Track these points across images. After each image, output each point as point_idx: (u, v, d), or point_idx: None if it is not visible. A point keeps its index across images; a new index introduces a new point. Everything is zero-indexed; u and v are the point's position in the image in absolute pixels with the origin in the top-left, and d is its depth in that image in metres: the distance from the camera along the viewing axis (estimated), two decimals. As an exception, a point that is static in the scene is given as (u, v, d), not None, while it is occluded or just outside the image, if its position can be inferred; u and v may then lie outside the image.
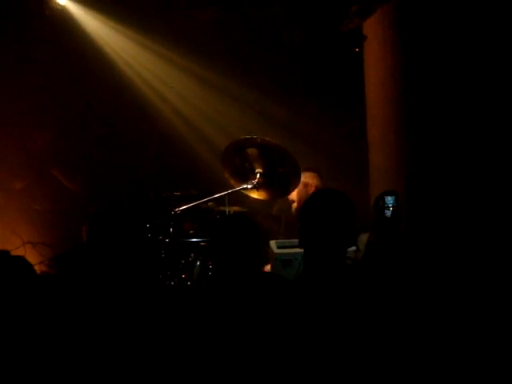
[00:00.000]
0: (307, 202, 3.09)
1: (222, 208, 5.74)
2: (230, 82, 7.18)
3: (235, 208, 5.80)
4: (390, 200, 3.74)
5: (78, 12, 7.10)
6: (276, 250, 5.07)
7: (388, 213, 3.71)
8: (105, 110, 7.28)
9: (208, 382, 3.07)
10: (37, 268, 5.81)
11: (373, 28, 6.72)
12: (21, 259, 3.69)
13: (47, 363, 2.99)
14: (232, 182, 5.47)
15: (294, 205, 5.73)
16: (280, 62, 7.22)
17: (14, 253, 4.06)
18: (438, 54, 6.30)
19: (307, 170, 5.71)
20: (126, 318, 3.08)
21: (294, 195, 5.67)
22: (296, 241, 3.22)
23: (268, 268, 5.11)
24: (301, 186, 5.50)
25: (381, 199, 3.81)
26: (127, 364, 3.00)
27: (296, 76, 7.23)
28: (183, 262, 5.48)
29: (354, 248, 4.54)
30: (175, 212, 5.34)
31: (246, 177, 5.41)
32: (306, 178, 5.66)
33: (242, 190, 5.43)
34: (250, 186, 5.34)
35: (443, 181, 4.33)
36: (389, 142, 6.64)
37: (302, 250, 3.45)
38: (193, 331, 3.23)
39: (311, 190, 5.63)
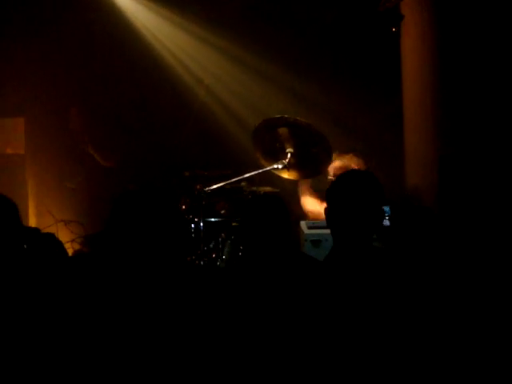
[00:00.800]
0: (334, 183, 3.07)
1: (253, 188, 5.73)
2: (264, 62, 7.13)
3: (267, 188, 5.78)
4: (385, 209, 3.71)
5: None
6: (306, 231, 5.06)
7: (386, 222, 3.68)
8: (141, 90, 7.29)
9: (237, 361, 3.07)
10: (69, 246, 5.92)
11: (410, 7, 6.63)
12: (51, 236, 3.73)
13: (73, 340, 3.01)
14: (262, 161, 5.44)
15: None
16: (316, 42, 7.13)
17: (47, 230, 4.11)
18: (476, 35, 6.18)
19: (350, 152, 5.61)
20: (153, 297, 3.09)
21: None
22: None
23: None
24: (342, 169, 5.41)
25: None
26: (154, 343, 3.01)
27: (332, 57, 7.14)
28: (214, 241, 5.49)
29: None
30: (207, 191, 5.33)
31: (277, 157, 5.37)
32: (348, 160, 5.56)
33: (272, 170, 5.40)
34: (280, 166, 5.30)
35: (478, 164, 4.25)
36: (425, 126, 6.56)
37: (331, 231, 3.40)
38: (221, 312, 3.23)
39: None
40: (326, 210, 3.05)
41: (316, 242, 5.01)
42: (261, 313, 3.18)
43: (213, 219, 5.61)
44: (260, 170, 5.36)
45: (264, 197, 4.43)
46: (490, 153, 5.05)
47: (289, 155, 5.28)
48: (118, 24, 7.18)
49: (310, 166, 5.34)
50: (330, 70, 7.11)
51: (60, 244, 3.83)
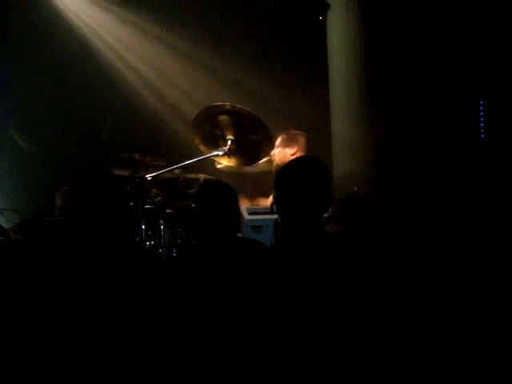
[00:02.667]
0: (282, 170, 3.13)
1: (188, 175, 5.76)
2: (197, 49, 7.14)
3: (202, 175, 5.81)
4: None
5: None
6: (247, 216, 5.12)
7: None
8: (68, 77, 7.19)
9: (186, 348, 3.11)
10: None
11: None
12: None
13: (17, 328, 2.99)
14: (202, 148, 5.46)
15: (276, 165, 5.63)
16: (249, 29, 7.21)
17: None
18: (401, 23, 6.41)
19: (293, 134, 5.67)
20: (105, 281, 3.09)
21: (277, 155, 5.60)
22: (267, 207, 3.25)
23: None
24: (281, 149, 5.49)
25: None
26: (104, 328, 3.02)
27: (265, 44, 7.23)
28: (152, 228, 5.48)
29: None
30: (145, 178, 5.32)
31: (217, 144, 5.40)
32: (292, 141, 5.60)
33: (212, 157, 5.44)
34: (221, 153, 5.34)
35: (416, 150, 4.40)
36: (351, 111, 6.73)
37: (273, 217, 3.47)
38: (173, 296, 3.26)
39: (294, 153, 5.55)
40: (274, 196, 3.11)
41: (257, 228, 5.08)
42: (210, 297, 3.23)
43: (150, 206, 5.60)
44: (201, 157, 5.38)
45: (211, 184, 4.47)
46: (420, 139, 5.24)
47: (229, 142, 5.32)
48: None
49: (251, 152, 5.40)
50: (267, 57, 7.20)
51: (5, 231, 3.79)
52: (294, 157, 5.12)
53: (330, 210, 4.90)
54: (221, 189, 3.59)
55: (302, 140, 5.61)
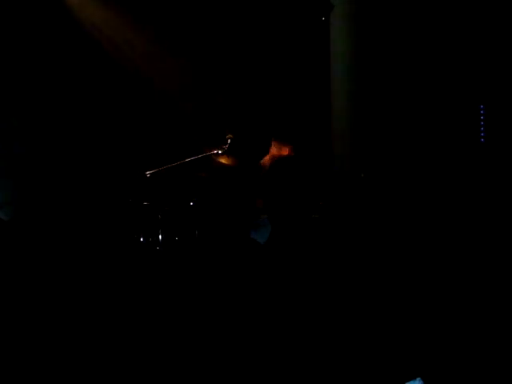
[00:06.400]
0: (269, 171, 3.17)
1: (188, 172, 5.77)
2: (199, 49, 7.18)
3: (201, 173, 5.81)
4: None
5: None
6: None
7: None
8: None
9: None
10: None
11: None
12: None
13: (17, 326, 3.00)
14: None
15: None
16: (253, 29, 7.22)
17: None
18: (403, 27, 6.44)
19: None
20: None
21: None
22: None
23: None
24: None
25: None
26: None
27: (267, 44, 7.24)
28: (151, 225, 5.48)
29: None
30: (145, 175, 5.33)
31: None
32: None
33: (212, 156, 5.45)
34: (220, 152, 5.37)
35: (415, 153, 4.43)
36: (352, 110, 6.77)
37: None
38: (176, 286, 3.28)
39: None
40: (264, 196, 3.14)
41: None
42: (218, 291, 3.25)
43: (149, 203, 5.61)
44: (200, 155, 5.40)
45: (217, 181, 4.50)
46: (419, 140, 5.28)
47: (228, 141, 5.35)
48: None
49: (248, 152, 5.42)
50: (264, 56, 7.22)
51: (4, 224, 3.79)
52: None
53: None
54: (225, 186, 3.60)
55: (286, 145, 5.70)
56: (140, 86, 7.29)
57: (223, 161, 5.51)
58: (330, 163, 6.67)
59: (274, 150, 5.52)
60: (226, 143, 5.35)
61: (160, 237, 5.41)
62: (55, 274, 3.10)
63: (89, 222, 3.14)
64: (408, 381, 3.07)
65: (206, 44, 7.18)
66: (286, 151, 5.72)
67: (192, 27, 7.21)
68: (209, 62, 7.25)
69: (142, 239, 5.22)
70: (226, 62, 7.19)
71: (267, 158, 5.59)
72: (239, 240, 3.64)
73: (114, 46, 7.30)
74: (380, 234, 3.76)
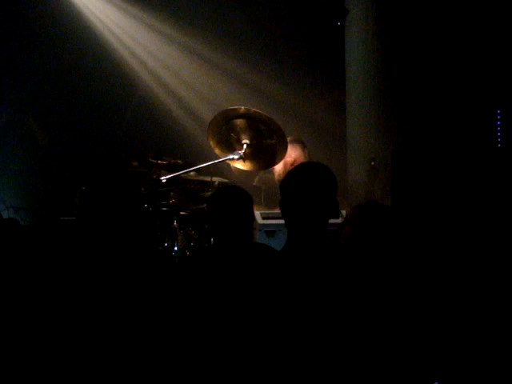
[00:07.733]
0: (289, 175, 3.13)
1: (203, 178, 5.77)
2: (214, 52, 7.17)
3: (217, 178, 5.82)
4: None
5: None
6: (261, 221, 5.12)
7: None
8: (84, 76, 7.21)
9: (197, 352, 3.12)
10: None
11: (355, 2, 6.84)
12: (14, 221, 3.70)
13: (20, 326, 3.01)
14: (218, 152, 5.45)
15: (278, 176, 5.72)
16: (268, 34, 7.24)
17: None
18: (419, 31, 6.41)
19: (290, 142, 5.69)
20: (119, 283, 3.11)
21: (277, 167, 5.66)
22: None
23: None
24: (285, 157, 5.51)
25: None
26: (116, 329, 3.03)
27: (282, 49, 7.26)
28: (168, 230, 5.50)
29: (339, 220, 4.61)
30: (160, 180, 5.33)
31: (233, 147, 5.40)
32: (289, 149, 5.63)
33: (227, 161, 5.43)
34: (236, 157, 5.33)
35: (431, 157, 4.40)
36: (366, 117, 6.75)
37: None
38: (185, 300, 3.27)
39: (293, 161, 5.63)
40: (280, 201, 3.12)
41: (270, 233, 5.08)
42: (221, 302, 3.24)
43: (164, 208, 5.62)
44: (216, 161, 5.38)
45: (227, 188, 4.46)
46: (436, 147, 5.24)
47: (245, 146, 5.32)
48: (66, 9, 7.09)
49: (266, 157, 5.39)
50: (283, 62, 7.23)
51: (23, 230, 3.81)
52: (293, 166, 5.11)
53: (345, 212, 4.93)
54: (235, 193, 3.59)
55: (298, 147, 5.66)
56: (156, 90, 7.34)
57: (240, 166, 5.50)
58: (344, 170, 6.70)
59: (287, 155, 5.51)
60: (242, 148, 5.33)
61: (176, 242, 5.43)
62: (72, 280, 3.11)
63: (105, 228, 3.14)
64: None
65: (220, 46, 7.19)
66: (298, 155, 5.70)
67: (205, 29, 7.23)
68: (224, 65, 7.27)
69: (159, 245, 5.24)
70: (241, 67, 7.20)
71: (281, 165, 5.57)
72: (251, 245, 3.62)
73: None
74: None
